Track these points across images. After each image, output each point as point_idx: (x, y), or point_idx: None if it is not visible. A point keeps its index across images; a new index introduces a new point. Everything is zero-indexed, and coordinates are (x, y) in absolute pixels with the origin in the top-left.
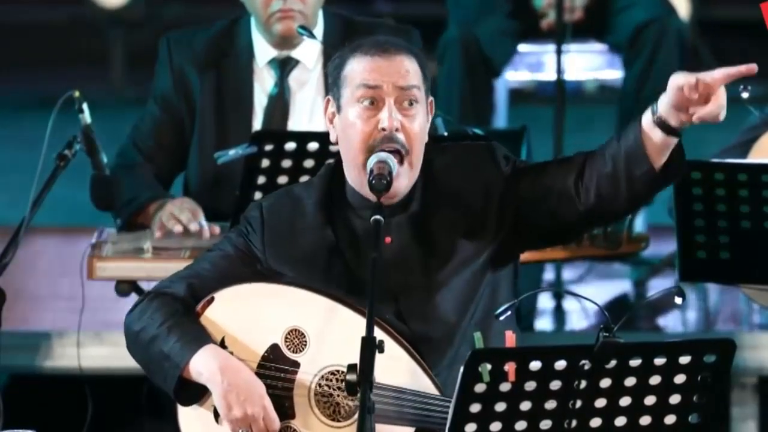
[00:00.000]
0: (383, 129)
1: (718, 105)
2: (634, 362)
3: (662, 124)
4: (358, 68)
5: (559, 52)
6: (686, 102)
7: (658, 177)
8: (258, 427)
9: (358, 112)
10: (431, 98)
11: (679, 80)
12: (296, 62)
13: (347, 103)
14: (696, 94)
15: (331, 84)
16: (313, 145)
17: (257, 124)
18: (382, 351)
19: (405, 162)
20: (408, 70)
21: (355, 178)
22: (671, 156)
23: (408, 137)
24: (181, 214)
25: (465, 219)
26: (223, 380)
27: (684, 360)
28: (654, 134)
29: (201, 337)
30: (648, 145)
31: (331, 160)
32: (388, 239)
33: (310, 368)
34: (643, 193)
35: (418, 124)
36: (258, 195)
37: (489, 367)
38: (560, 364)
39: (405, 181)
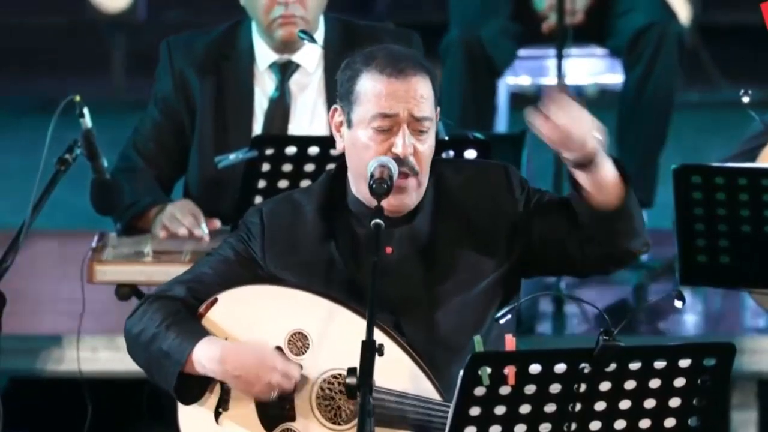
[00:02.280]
0: (396, 154)
1: (564, 122)
2: (634, 365)
3: (573, 165)
4: (372, 90)
5: (559, 56)
6: (551, 139)
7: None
8: (282, 386)
9: (372, 135)
10: (438, 109)
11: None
12: (297, 66)
13: (360, 123)
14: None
15: (342, 94)
16: (313, 150)
17: (258, 127)
18: (381, 354)
19: (413, 179)
20: (422, 95)
21: (363, 189)
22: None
23: (419, 160)
24: (184, 218)
25: (472, 240)
26: (228, 366)
27: (684, 363)
28: (580, 177)
29: (199, 331)
30: (586, 186)
31: (330, 167)
32: (389, 249)
33: (312, 371)
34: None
35: (429, 145)
36: (258, 199)
37: (489, 370)
38: (560, 368)
39: (413, 196)
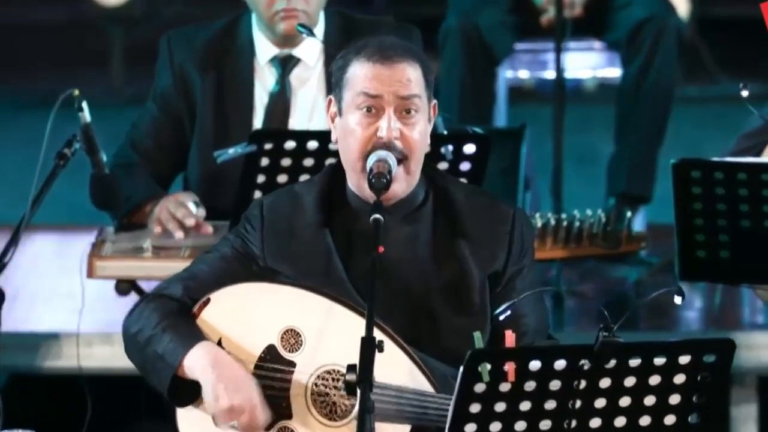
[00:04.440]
0: (381, 138)
1: None
2: (634, 362)
3: None
4: (359, 74)
5: (558, 50)
6: None
7: None
8: (245, 419)
9: (358, 119)
10: (434, 101)
11: None
12: (297, 60)
13: (348, 108)
14: None
15: (334, 84)
16: (312, 144)
17: (258, 122)
18: (381, 350)
19: (401, 167)
20: (410, 78)
21: (355, 181)
22: None
23: (407, 145)
24: (177, 210)
25: (467, 253)
26: (213, 372)
27: (684, 360)
28: None
29: (194, 335)
30: None
31: (332, 160)
32: (380, 249)
33: (306, 368)
34: None
35: (417, 131)
36: (258, 194)
37: (489, 367)
38: (560, 364)
39: (403, 184)
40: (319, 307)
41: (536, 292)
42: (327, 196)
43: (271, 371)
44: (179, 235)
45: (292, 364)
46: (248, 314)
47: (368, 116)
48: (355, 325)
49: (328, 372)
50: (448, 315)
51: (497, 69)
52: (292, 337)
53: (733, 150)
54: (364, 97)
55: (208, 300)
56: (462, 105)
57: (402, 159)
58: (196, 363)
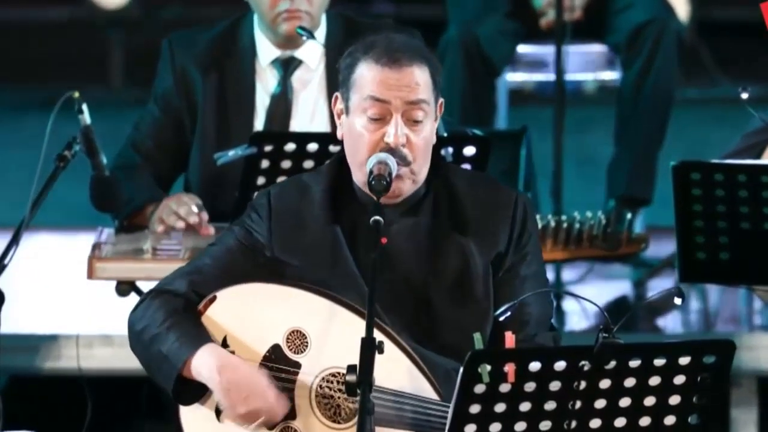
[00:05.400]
0: (388, 143)
1: None
2: (634, 363)
3: None
4: (368, 76)
5: (558, 53)
6: None
7: None
8: (265, 418)
9: (365, 123)
10: (441, 100)
11: None
12: (299, 62)
13: (355, 110)
14: None
15: (341, 82)
16: (312, 146)
17: (259, 124)
18: (381, 352)
19: (406, 168)
20: (418, 82)
21: (360, 179)
22: None
23: (413, 150)
24: (179, 207)
25: (469, 243)
26: (222, 378)
27: (684, 361)
28: None
29: (199, 336)
30: None
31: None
32: (383, 240)
33: (311, 369)
34: None
35: (424, 136)
36: None
37: (488, 367)
38: (560, 365)
39: (408, 183)
40: (326, 309)
41: (536, 293)
42: (335, 188)
43: (276, 371)
44: (180, 225)
45: (297, 365)
46: (254, 313)
47: (375, 122)
48: (360, 327)
49: (333, 375)
50: (450, 306)
51: (497, 80)
52: (298, 339)
53: (735, 149)
54: (371, 101)
55: (215, 297)
56: (463, 115)
57: (405, 164)
58: (202, 366)
